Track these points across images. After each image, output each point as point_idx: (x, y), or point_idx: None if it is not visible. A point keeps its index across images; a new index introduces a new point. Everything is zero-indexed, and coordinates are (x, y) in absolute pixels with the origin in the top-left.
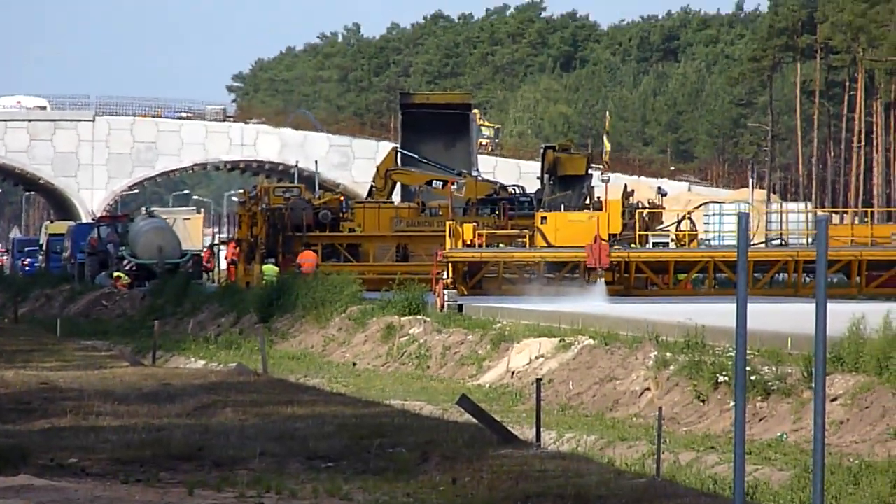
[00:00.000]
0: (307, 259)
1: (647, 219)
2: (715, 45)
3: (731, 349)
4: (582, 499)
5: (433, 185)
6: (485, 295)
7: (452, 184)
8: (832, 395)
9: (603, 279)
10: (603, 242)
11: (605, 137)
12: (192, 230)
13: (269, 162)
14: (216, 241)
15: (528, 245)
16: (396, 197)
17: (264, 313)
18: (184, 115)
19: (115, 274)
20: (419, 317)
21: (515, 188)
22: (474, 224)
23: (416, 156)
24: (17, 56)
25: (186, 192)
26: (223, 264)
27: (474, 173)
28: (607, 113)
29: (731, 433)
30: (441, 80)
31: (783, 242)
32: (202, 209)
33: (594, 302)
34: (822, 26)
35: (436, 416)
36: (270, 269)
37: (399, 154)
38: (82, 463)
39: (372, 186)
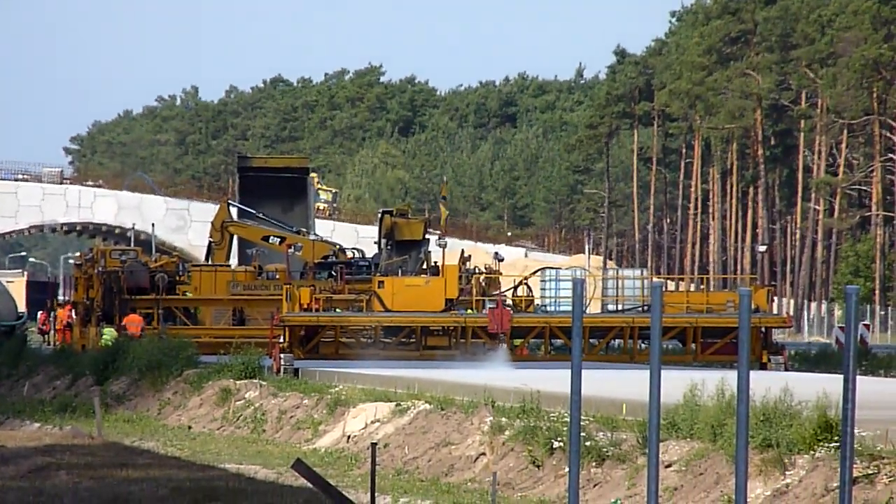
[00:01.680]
0: (132, 322)
1: (484, 284)
2: (553, 112)
3: (566, 414)
4: None
5: (270, 240)
6: (321, 359)
7: (290, 246)
8: (666, 462)
9: (504, 344)
10: (505, 308)
11: (441, 203)
12: (15, 293)
13: (106, 224)
14: (52, 304)
15: (365, 309)
16: (234, 260)
17: (100, 376)
18: (20, 176)
19: None
20: (255, 380)
21: (355, 251)
22: (311, 288)
23: (252, 210)
24: None
25: (23, 254)
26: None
27: (312, 237)
28: (444, 178)
29: (566, 499)
30: (279, 143)
31: (620, 309)
32: (25, 271)
33: (496, 367)
34: (660, 93)
35: (271, 481)
36: (110, 331)
37: (233, 209)
38: None
39: (210, 243)
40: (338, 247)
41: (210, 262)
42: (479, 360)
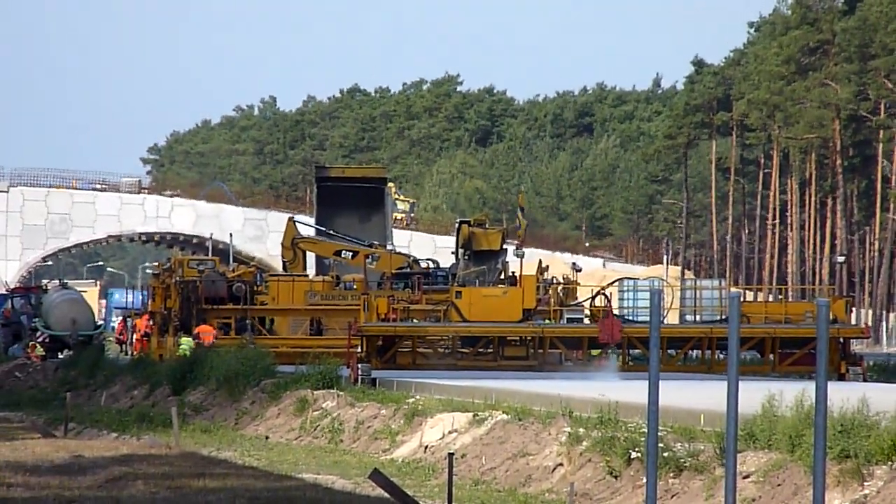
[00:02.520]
0: (206, 332)
1: (561, 294)
2: (631, 122)
3: (643, 425)
4: None
5: (342, 254)
6: (399, 369)
7: (366, 256)
8: (744, 473)
9: (616, 354)
10: (615, 318)
11: (519, 214)
12: (88, 302)
13: (184, 234)
14: (130, 313)
15: (442, 319)
16: (311, 271)
17: (177, 386)
18: (98, 186)
19: (31, 344)
20: (332, 391)
21: (429, 262)
22: (389, 298)
23: (322, 228)
24: None
25: (100, 263)
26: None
27: (388, 247)
28: (522, 189)
29: None
30: (357, 153)
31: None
32: (97, 281)
33: (608, 377)
34: (738, 103)
35: (348, 491)
36: (187, 341)
37: (301, 226)
38: None
39: (284, 262)
40: (412, 258)
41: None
42: (589, 370)
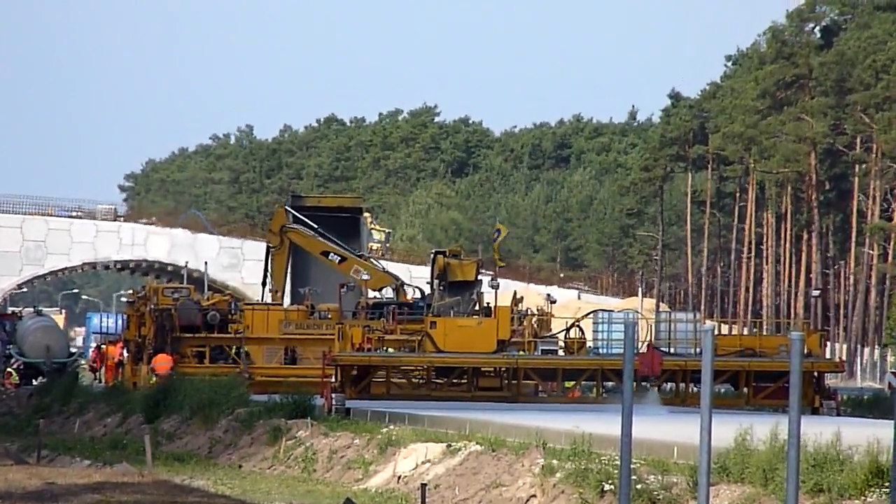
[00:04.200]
0: (161, 362)
1: (536, 325)
2: (607, 154)
3: (617, 457)
4: None
5: (330, 256)
6: (373, 399)
7: (352, 268)
8: None
9: (655, 388)
10: (655, 351)
11: (495, 247)
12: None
13: (159, 262)
14: (102, 342)
15: (417, 349)
16: (286, 300)
17: (151, 414)
18: (74, 213)
19: (6, 371)
20: (306, 420)
21: (416, 289)
22: (363, 328)
23: (314, 225)
24: None
25: (76, 291)
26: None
27: (378, 265)
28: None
29: None
30: (333, 182)
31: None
32: (63, 309)
33: (649, 410)
34: (714, 136)
35: None
36: None
37: (290, 213)
38: None
39: (269, 247)
40: (400, 282)
41: (267, 271)
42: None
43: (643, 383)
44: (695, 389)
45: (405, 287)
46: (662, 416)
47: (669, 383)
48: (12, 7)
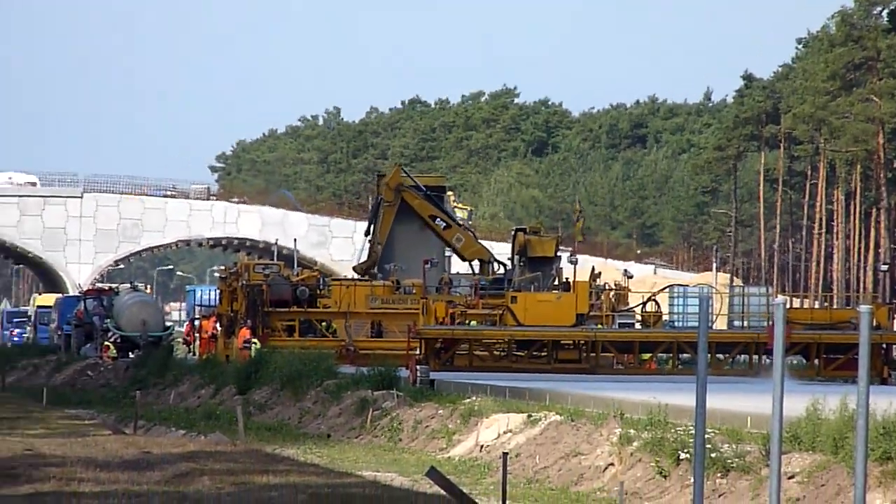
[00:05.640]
0: (241, 336)
1: (613, 300)
2: (682, 134)
3: (692, 427)
4: None
5: (437, 221)
6: (456, 370)
7: (454, 235)
8: (789, 473)
9: (804, 359)
10: (786, 324)
11: (577, 225)
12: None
13: (250, 239)
14: (197, 316)
15: (498, 323)
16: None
17: (243, 386)
18: (169, 193)
19: (104, 344)
20: (392, 391)
21: (500, 264)
22: (447, 302)
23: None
24: (8, 133)
25: (170, 267)
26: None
27: (447, 253)
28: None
29: None
30: (417, 162)
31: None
32: (147, 286)
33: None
34: (786, 117)
35: (406, 488)
36: (255, 344)
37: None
38: None
39: (380, 200)
40: (490, 255)
41: (374, 222)
42: (760, 375)
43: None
44: (767, 361)
45: (497, 260)
46: (811, 389)
47: (743, 355)
48: None
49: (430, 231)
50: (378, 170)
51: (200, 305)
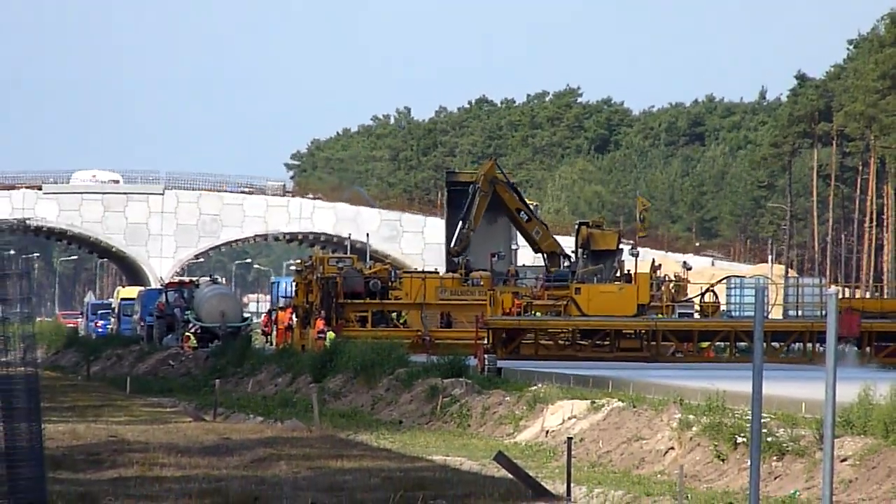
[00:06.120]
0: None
1: (673, 291)
2: (738, 131)
3: (748, 412)
4: None
5: (521, 214)
6: (522, 359)
7: (534, 228)
8: (842, 456)
9: (855, 347)
10: (853, 313)
11: (639, 219)
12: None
13: (325, 234)
14: (274, 307)
15: (562, 313)
16: (441, 268)
17: (318, 374)
18: (246, 189)
19: (185, 335)
20: (461, 379)
21: (569, 258)
22: (513, 293)
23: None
24: (92, 132)
25: (248, 261)
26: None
27: (513, 246)
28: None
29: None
30: (485, 159)
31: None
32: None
33: (846, 368)
34: (838, 115)
35: (475, 472)
36: (329, 335)
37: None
38: None
39: (477, 189)
40: (560, 249)
41: (470, 210)
42: (848, 364)
43: (841, 345)
44: (821, 349)
45: (567, 256)
46: (865, 375)
47: (797, 343)
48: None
49: (497, 225)
50: (447, 167)
51: (285, 297)
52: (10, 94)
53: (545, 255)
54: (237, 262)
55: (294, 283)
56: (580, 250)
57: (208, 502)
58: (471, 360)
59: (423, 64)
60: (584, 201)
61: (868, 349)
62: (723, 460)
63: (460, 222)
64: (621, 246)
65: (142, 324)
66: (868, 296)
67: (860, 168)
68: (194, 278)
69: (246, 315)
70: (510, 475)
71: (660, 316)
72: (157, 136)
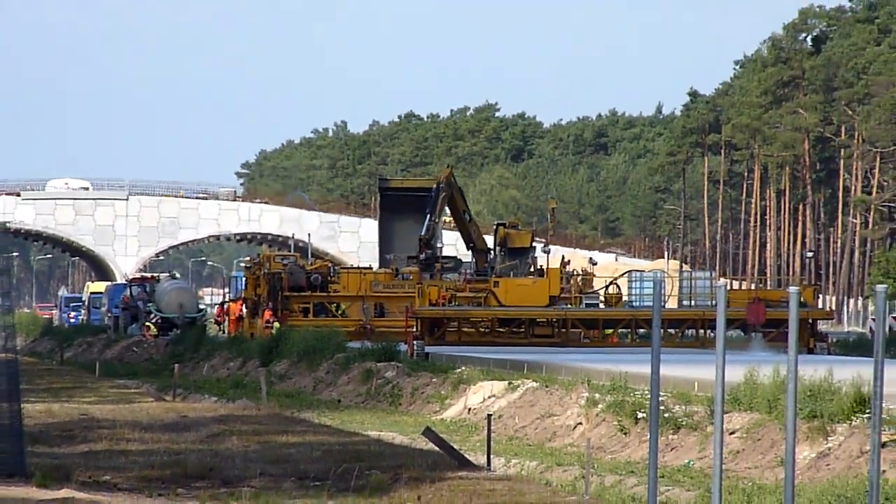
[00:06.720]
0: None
1: (581, 284)
2: (638, 142)
3: (648, 391)
4: None
5: (464, 215)
6: (447, 345)
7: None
8: (730, 430)
9: (760, 334)
10: (759, 303)
11: (549, 218)
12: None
13: (271, 234)
14: (226, 300)
15: (483, 304)
16: (375, 265)
17: (265, 359)
18: (201, 195)
19: (145, 325)
20: (393, 363)
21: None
22: (439, 286)
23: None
24: (64, 144)
25: (203, 259)
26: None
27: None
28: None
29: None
30: (413, 167)
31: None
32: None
33: (755, 353)
34: (726, 127)
35: (405, 445)
36: (275, 324)
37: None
38: (114, 480)
39: (440, 188)
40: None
41: (434, 207)
42: (737, 348)
43: (751, 332)
44: (711, 335)
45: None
46: (769, 358)
47: (690, 330)
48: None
49: (420, 225)
50: (380, 174)
51: (245, 289)
52: None
53: (475, 252)
54: (193, 259)
55: (244, 279)
56: (498, 248)
57: (169, 473)
58: (401, 346)
59: (357, 82)
60: (502, 204)
61: (753, 335)
62: (625, 434)
63: (428, 215)
64: (534, 244)
65: (109, 315)
66: (753, 287)
67: (746, 174)
68: (155, 274)
69: (201, 307)
70: (437, 448)
71: (569, 306)
72: (122, 146)
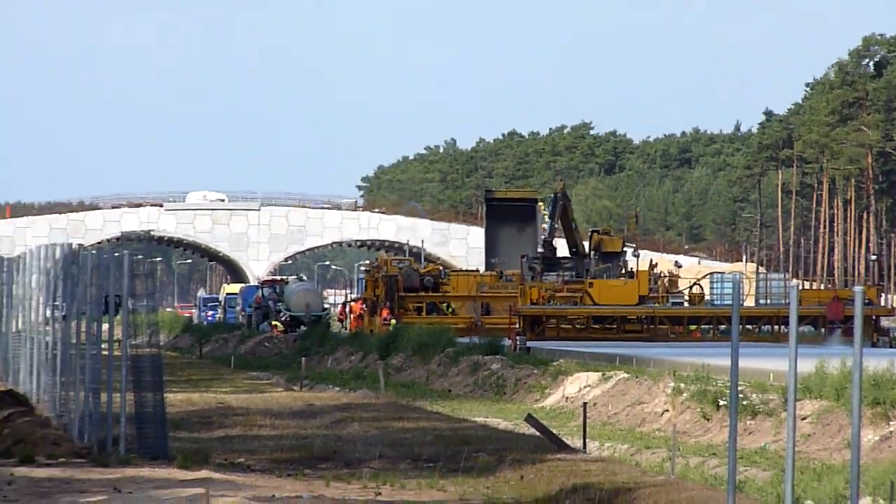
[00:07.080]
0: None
1: (667, 284)
2: (719, 157)
3: (728, 381)
4: (616, 490)
5: (572, 223)
6: (547, 340)
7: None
8: (802, 416)
9: (840, 330)
10: (839, 301)
11: (630, 225)
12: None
13: (388, 241)
14: (348, 300)
15: (579, 303)
16: (482, 267)
17: (383, 353)
18: (325, 206)
19: (273, 322)
20: (498, 356)
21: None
22: (539, 288)
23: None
24: (202, 158)
25: (327, 263)
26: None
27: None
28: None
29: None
30: (515, 180)
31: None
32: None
33: (833, 348)
34: (798, 143)
35: (509, 430)
36: (392, 321)
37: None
38: (248, 462)
39: (558, 198)
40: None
41: (554, 212)
42: (808, 342)
43: (821, 327)
44: (785, 330)
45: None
46: (846, 351)
47: (766, 326)
48: (280, 42)
49: (527, 231)
50: (486, 186)
51: (365, 290)
52: (144, 131)
53: (576, 256)
54: (318, 263)
55: (365, 280)
56: (592, 252)
57: (297, 455)
58: (505, 341)
59: (466, 104)
60: (596, 213)
61: (822, 330)
62: (707, 420)
63: (548, 220)
64: (625, 248)
65: (243, 313)
66: (822, 287)
67: (815, 185)
68: (284, 277)
69: (326, 306)
70: (538, 433)
71: (657, 305)
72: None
